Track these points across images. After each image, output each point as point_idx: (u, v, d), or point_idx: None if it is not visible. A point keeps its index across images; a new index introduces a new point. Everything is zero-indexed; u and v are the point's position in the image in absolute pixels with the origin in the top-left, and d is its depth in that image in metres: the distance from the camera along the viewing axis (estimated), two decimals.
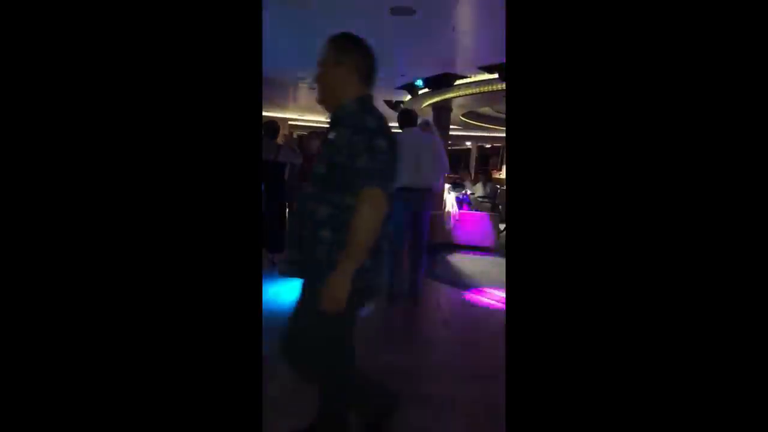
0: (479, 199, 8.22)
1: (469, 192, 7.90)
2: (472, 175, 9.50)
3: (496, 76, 5.32)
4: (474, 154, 16.18)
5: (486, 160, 15.79)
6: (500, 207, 8.12)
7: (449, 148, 10.17)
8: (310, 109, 11.97)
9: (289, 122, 14.18)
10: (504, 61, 4.91)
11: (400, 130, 3.79)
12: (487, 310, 4.11)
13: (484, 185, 8.43)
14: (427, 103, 6.84)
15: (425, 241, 3.86)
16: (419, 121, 3.95)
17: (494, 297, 4.38)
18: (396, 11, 3.53)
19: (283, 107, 11.50)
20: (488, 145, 16.10)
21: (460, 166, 10.24)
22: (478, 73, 5.55)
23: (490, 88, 5.75)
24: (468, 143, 16.29)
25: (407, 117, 3.82)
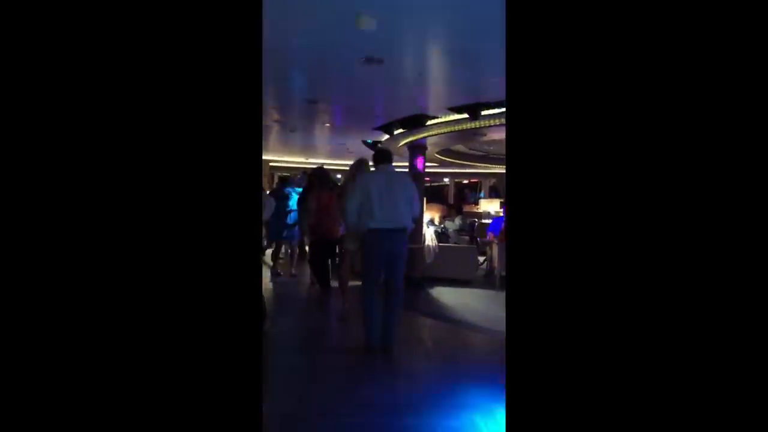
0: (457, 232, 8.58)
1: (443, 226, 8.31)
2: (448, 210, 9.97)
3: (465, 116, 5.64)
4: (452, 190, 16.63)
5: (463, 195, 16.22)
6: (478, 240, 8.39)
7: (428, 185, 10.53)
8: (287, 151, 12.22)
9: (270, 164, 14.37)
10: (470, 102, 5.26)
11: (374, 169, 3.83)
12: (469, 341, 4.20)
13: (453, 218, 9.00)
14: (402, 143, 7.14)
15: (400, 287, 3.64)
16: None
17: (475, 329, 4.48)
18: (369, 61, 3.82)
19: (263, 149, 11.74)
20: (465, 181, 16.56)
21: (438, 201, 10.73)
22: (449, 114, 5.87)
23: (461, 127, 6.05)
24: (446, 179, 16.77)
25: (380, 156, 3.81)
